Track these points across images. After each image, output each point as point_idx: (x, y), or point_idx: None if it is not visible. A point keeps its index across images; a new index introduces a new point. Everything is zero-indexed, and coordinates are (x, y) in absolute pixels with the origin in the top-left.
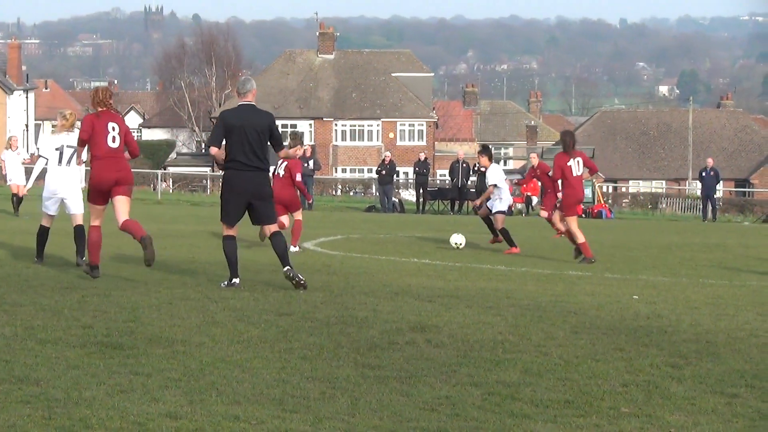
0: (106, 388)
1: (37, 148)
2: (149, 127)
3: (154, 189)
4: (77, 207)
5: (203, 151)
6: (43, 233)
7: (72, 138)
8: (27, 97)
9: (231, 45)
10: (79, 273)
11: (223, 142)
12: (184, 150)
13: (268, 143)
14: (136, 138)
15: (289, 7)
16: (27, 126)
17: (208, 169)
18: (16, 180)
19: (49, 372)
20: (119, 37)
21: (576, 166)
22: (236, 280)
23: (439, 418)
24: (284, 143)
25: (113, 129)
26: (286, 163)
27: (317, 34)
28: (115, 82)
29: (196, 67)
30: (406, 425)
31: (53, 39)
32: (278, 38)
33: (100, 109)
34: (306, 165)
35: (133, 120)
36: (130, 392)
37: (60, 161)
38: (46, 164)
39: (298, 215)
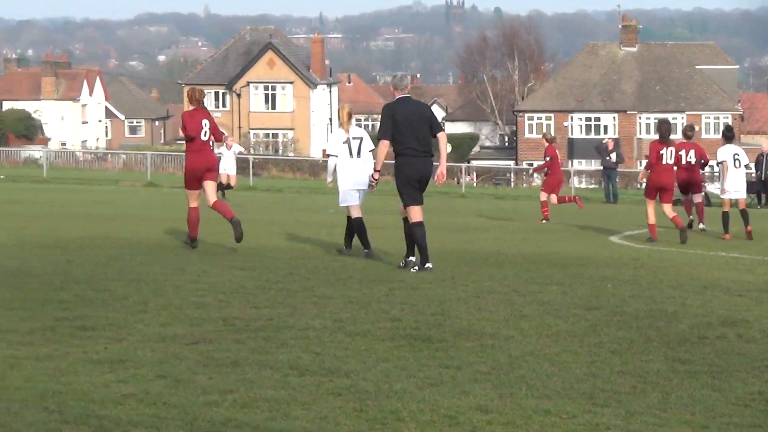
0: (416, 381)
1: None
2: (452, 121)
3: (458, 182)
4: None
5: (506, 144)
6: (358, 224)
7: (355, 131)
8: (330, 92)
9: (533, 38)
10: (386, 265)
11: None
12: (488, 143)
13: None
14: None
15: (590, 0)
16: (330, 120)
17: (511, 163)
18: (229, 171)
19: (359, 364)
20: (421, 30)
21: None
22: (429, 265)
23: (752, 414)
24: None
25: (205, 125)
26: None
27: (620, 26)
28: (417, 75)
29: (498, 61)
30: (719, 420)
31: (355, 33)
32: (580, 31)
33: (193, 107)
34: (608, 158)
35: (436, 113)
36: (440, 385)
37: (350, 154)
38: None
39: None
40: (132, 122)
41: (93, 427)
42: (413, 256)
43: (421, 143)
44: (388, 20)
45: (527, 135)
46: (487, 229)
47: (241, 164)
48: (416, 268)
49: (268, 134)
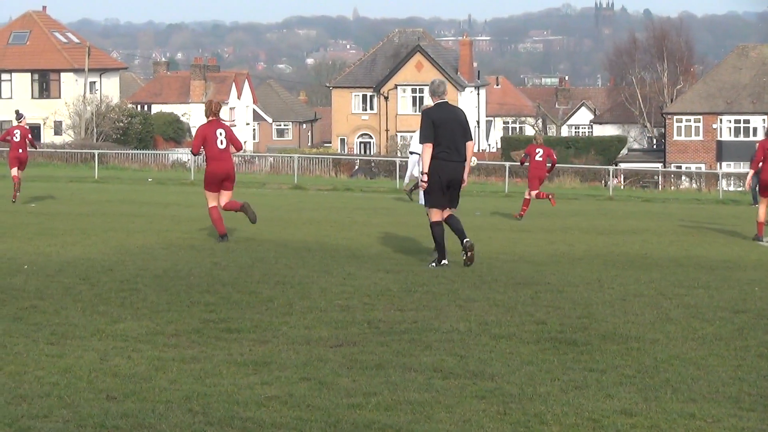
0: (560, 384)
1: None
2: (600, 123)
3: (605, 185)
4: None
5: (654, 146)
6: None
7: None
8: (478, 94)
9: (683, 40)
10: (532, 268)
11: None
12: (636, 146)
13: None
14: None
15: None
16: (478, 122)
17: (660, 165)
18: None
19: (503, 367)
20: (570, 33)
21: None
22: (445, 261)
23: None
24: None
25: (221, 134)
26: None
27: None
28: (566, 78)
29: (648, 63)
30: None
31: (504, 35)
32: (731, 32)
33: (210, 119)
34: None
35: (584, 116)
36: (585, 388)
37: None
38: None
39: None
40: (279, 125)
41: (237, 429)
42: (445, 258)
43: (456, 147)
44: (537, 22)
45: (676, 137)
46: (634, 232)
47: (388, 167)
48: (433, 264)
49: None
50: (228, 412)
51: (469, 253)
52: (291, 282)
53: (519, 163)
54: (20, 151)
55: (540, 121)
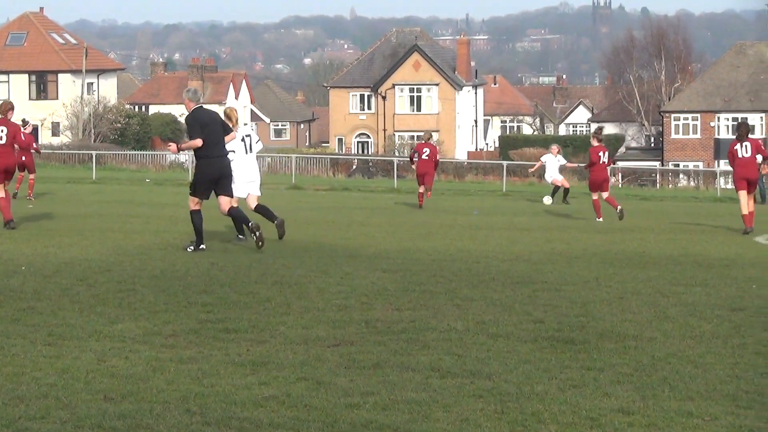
0: (557, 383)
1: None
2: (598, 122)
3: None
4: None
5: (652, 145)
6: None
7: (244, 129)
8: (476, 93)
9: (681, 38)
10: (530, 267)
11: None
12: (633, 144)
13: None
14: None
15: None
16: (476, 122)
17: (657, 163)
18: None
19: (501, 366)
20: (567, 31)
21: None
22: (203, 246)
23: None
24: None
25: (2, 131)
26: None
27: None
28: (564, 77)
29: (645, 61)
30: None
31: (501, 34)
32: (728, 30)
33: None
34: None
35: (581, 115)
36: (582, 387)
37: (246, 151)
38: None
39: None
40: (277, 125)
41: (234, 429)
42: (203, 243)
43: (220, 145)
44: (535, 21)
45: (673, 135)
46: (632, 230)
47: (386, 167)
48: (191, 248)
49: (413, 136)
50: (225, 412)
51: (257, 233)
52: (288, 282)
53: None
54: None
55: (538, 120)
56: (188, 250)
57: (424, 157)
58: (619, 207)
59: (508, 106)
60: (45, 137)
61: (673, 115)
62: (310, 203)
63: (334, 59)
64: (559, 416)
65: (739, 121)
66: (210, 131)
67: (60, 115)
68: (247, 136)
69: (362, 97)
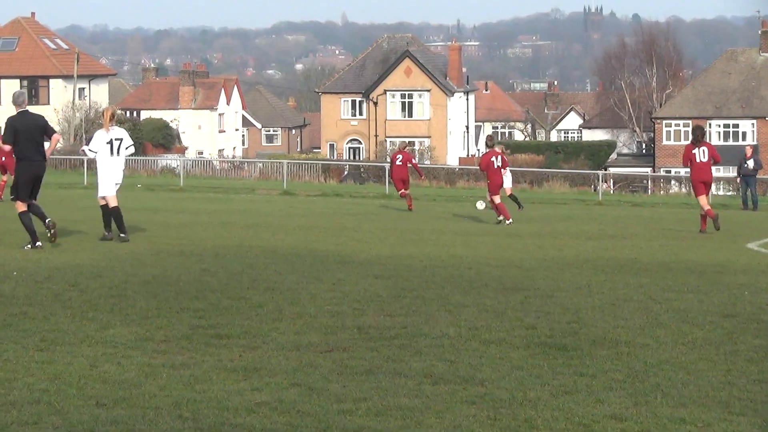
0: (550, 389)
1: None
2: (590, 128)
3: (594, 189)
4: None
5: (643, 151)
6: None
7: (116, 132)
8: (467, 99)
9: (671, 44)
10: (522, 273)
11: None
12: (625, 150)
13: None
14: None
15: (730, 5)
16: (467, 127)
17: (649, 170)
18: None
19: (493, 372)
20: (559, 37)
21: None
22: (39, 243)
23: None
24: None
25: None
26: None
27: (759, 32)
28: (555, 83)
29: (637, 67)
30: None
31: (493, 40)
32: (719, 37)
33: None
34: (746, 165)
35: (573, 121)
36: (575, 393)
37: (111, 153)
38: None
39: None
40: (269, 131)
41: None
42: (38, 241)
43: (37, 149)
44: (526, 27)
45: (665, 142)
46: (623, 237)
47: (378, 172)
48: (28, 246)
49: (405, 142)
50: (218, 418)
51: (52, 230)
52: (280, 288)
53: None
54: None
55: (529, 126)
56: (26, 248)
57: (398, 163)
58: (502, 218)
59: (499, 112)
60: None
61: (664, 122)
62: (301, 209)
63: (325, 65)
64: (552, 423)
65: (694, 125)
66: (24, 137)
67: (51, 121)
68: (117, 139)
69: (354, 102)
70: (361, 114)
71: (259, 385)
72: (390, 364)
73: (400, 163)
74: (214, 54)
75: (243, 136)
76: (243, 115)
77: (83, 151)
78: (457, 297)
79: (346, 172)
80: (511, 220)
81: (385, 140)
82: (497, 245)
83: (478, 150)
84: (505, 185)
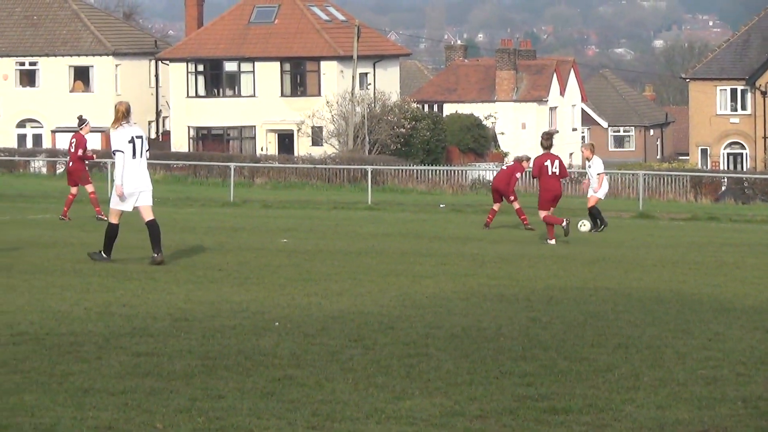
0: None
1: None
2: None
3: None
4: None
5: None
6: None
7: (136, 129)
8: None
9: None
10: None
11: None
12: None
13: None
14: None
15: None
16: None
17: None
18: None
19: None
20: None
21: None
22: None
23: None
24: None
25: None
26: None
27: None
28: None
29: None
30: None
31: None
32: None
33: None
34: None
35: None
36: None
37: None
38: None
39: None
40: (618, 131)
41: None
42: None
43: None
44: None
45: None
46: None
47: (767, 188)
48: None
49: None
50: None
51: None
52: (637, 345)
53: None
54: (71, 164)
55: None
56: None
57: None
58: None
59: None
60: (303, 147)
61: None
62: (663, 238)
63: (694, 41)
64: None
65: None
66: None
67: (323, 118)
68: (138, 137)
69: (734, 92)
70: (744, 108)
71: None
72: None
73: None
74: (543, 27)
75: (582, 137)
76: (582, 110)
77: (114, 153)
78: None
79: (724, 188)
80: (553, 241)
81: None
82: None
83: None
84: (598, 194)
